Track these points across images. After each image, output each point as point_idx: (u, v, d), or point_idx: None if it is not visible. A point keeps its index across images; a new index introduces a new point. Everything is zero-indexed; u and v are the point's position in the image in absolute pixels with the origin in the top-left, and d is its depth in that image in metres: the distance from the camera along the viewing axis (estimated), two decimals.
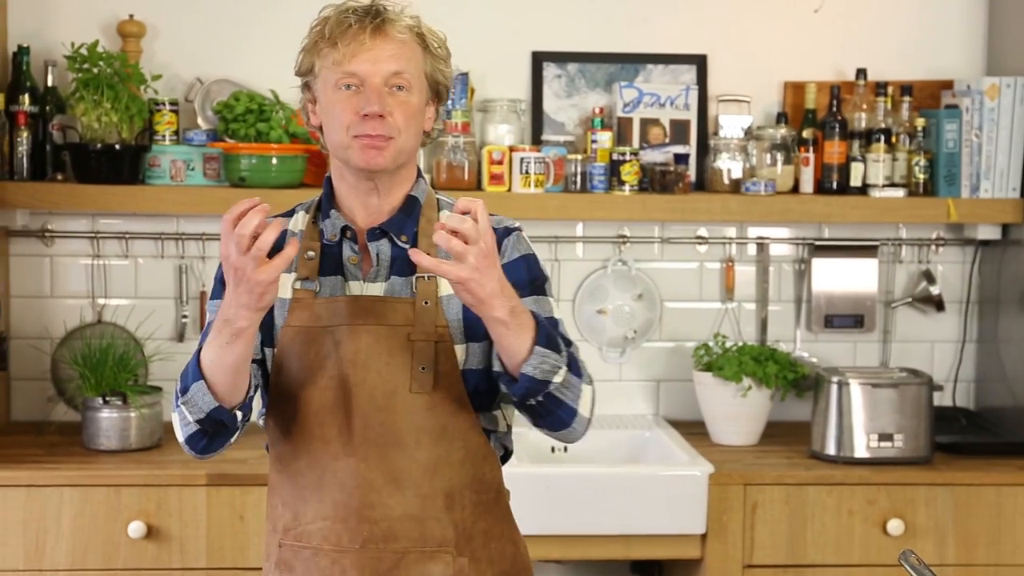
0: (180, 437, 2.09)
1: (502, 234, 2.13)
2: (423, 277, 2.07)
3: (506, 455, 2.21)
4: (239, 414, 2.05)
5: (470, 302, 1.94)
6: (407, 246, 2.09)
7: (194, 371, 2.02)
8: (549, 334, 2.00)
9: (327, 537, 2.09)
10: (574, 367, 2.04)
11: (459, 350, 2.09)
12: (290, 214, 2.19)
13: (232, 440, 2.11)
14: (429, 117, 2.16)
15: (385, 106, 2.05)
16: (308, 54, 2.13)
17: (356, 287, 2.10)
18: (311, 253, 2.12)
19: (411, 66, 2.09)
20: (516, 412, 2.15)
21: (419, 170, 2.20)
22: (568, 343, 2.06)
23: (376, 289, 2.10)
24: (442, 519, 2.09)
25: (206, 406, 2.01)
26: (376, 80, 2.06)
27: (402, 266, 2.10)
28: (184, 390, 2.03)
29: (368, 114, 2.05)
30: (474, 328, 2.07)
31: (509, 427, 2.21)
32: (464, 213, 1.92)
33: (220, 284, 2.10)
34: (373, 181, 2.11)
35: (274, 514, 2.16)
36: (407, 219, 2.13)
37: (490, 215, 2.12)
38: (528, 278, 2.12)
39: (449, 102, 3.48)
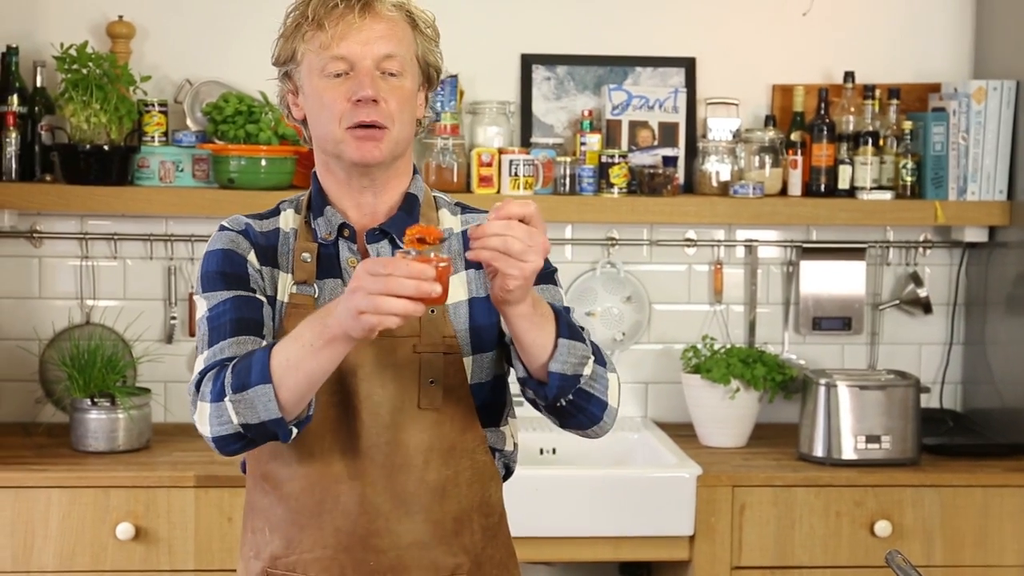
0: (207, 432, 1.86)
1: None
2: None
3: (507, 474, 2.08)
4: (295, 431, 1.85)
5: (509, 298, 1.76)
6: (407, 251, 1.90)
7: (261, 370, 1.79)
8: (569, 323, 1.86)
9: (327, 568, 1.93)
10: (599, 356, 1.90)
11: (466, 363, 1.95)
12: (275, 212, 2.03)
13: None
14: (420, 104, 2.01)
15: (379, 91, 1.90)
16: (288, 40, 1.96)
17: None
18: (307, 255, 1.96)
19: (402, 48, 1.94)
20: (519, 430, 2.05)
21: (415, 167, 2.06)
22: (583, 332, 1.93)
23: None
24: (452, 545, 1.96)
25: (265, 414, 1.80)
26: (367, 63, 1.91)
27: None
28: (240, 387, 1.80)
29: (361, 99, 1.90)
30: (481, 338, 1.96)
31: (516, 445, 2.07)
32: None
33: (219, 277, 1.94)
34: (369, 176, 1.96)
35: (256, 540, 1.99)
36: (408, 218, 1.97)
37: (485, 211, 2.01)
38: None
39: (438, 103, 3.52)
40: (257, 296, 1.95)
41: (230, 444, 1.86)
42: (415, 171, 2.05)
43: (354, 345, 1.78)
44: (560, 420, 1.93)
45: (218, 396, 1.83)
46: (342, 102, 1.91)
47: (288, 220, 2.02)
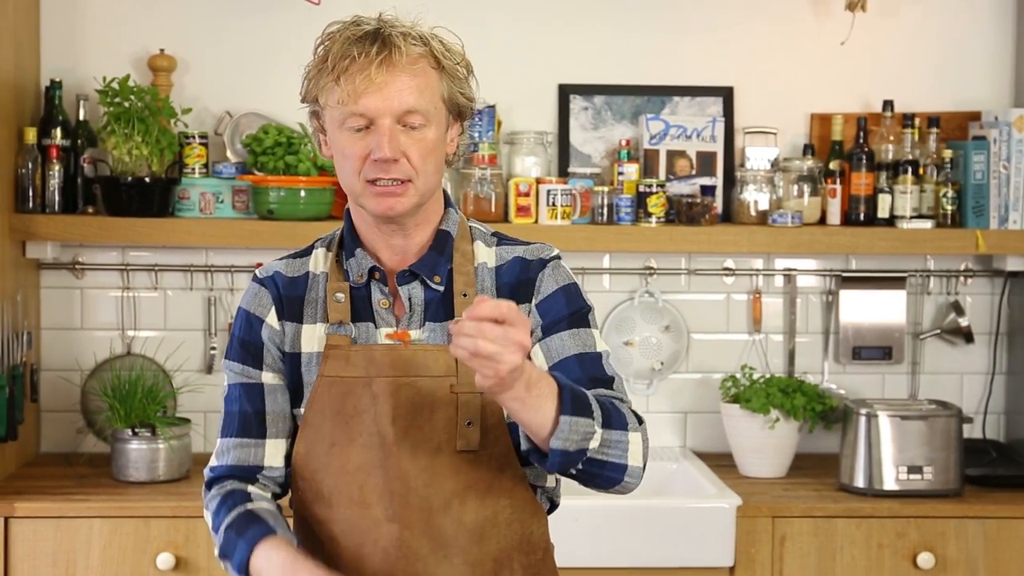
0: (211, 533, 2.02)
1: (536, 267, 1.97)
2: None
3: (552, 507, 2.05)
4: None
5: (489, 393, 1.74)
6: (441, 288, 1.94)
7: (240, 563, 1.91)
8: (575, 396, 1.77)
9: None
10: (615, 419, 1.83)
11: None
12: (308, 251, 2.03)
13: None
14: (452, 140, 1.97)
15: (397, 148, 1.86)
16: (312, 84, 1.93)
17: (390, 336, 1.93)
18: (340, 296, 1.95)
19: (425, 98, 1.88)
20: None
21: (447, 198, 2.02)
22: (610, 380, 1.90)
23: (413, 335, 1.93)
24: None
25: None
26: (386, 121, 1.86)
27: (437, 310, 1.94)
28: (222, 555, 1.95)
29: (379, 159, 1.86)
30: None
31: (558, 480, 2.02)
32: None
33: (239, 345, 2.01)
34: (396, 223, 1.93)
35: None
36: (439, 257, 1.95)
37: (526, 243, 2.01)
38: (567, 311, 1.94)
39: (476, 134, 3.53)
40: (262, 381, 2.00)
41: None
42: (448, 203, 2.02)
43: None
44: (579, 483, 1.88)
45: (214, 528, 1.98)
46: (360, 159, 1.88)
47: (319, 262, 2.01)
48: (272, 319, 2.00)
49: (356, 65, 1.86)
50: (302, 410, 1.97)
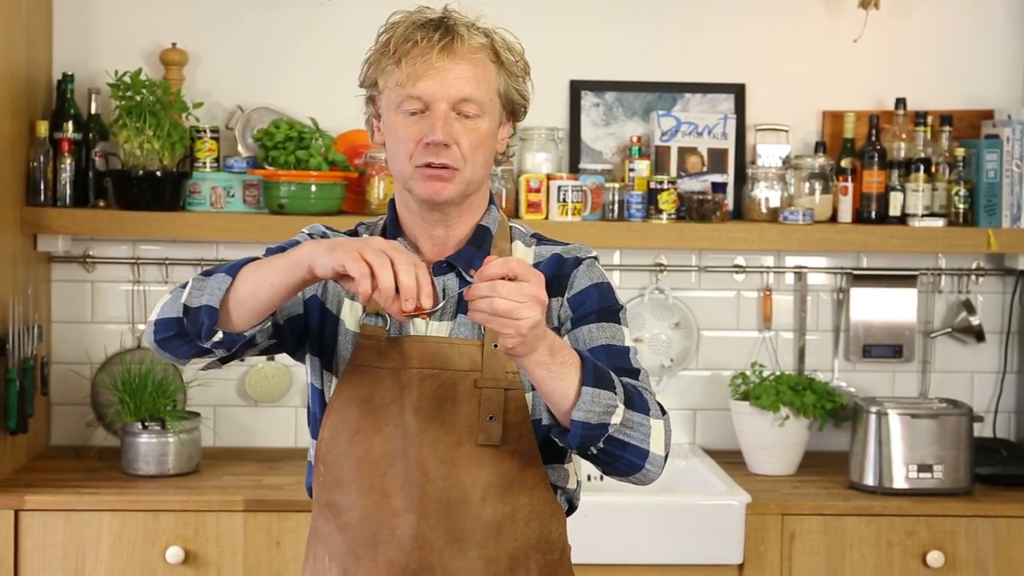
0: (154, 315, 1.88)
1: (571, 264, 1.98)
2: None
3: (570, 509, 2.05)
4: (218, 335, 1.83)
5: (512, 354, 1.74)
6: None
7: (231, 267, 1.83)
8: (598, 370, 1.78)
9: None
10: (638, 402, 1.83)
11: (528, 399, 1.92)
12: (352, 233, 2.04)
13: (185, 359, 1.90)
14: (502, 138, 1.99)
15: (451, 134, 1.88)
16: (372, 67, 1.94)
17: (421, 325, 1.94)
18: None
19: (481, 89, 1.91)
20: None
21: (492, 196, 2.04)
22: (635, 372, 1.89)
23: (442, 329, 1.94)
24: None
25: (208, 299, 1.80)
26: (442, 106, 1.88)
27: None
28: (205, 275, 1.84)
29: (431, 143, 1.88)
30: None
31: (579, 483, 2.04)
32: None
33: (278, 250, 1.92)
34: (440, 212, 1.95)
35: (316, 567, 2.00)
36: (476, 252, 1.96)
37: (565, 244, 2.02)
38: (598, 306, 1.95)
39: None
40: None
41: (163, 329, 1.85)
42: (492, 201, 2.03)
43: (306, 283, 1.79)
44: (599, 467, 1.87)
45: (182, 287, 1.85)
46: (412, 142, 1.90)
47: None
48: None
49: (418, 49, 1.89)
50: (332, 385, 1.95)
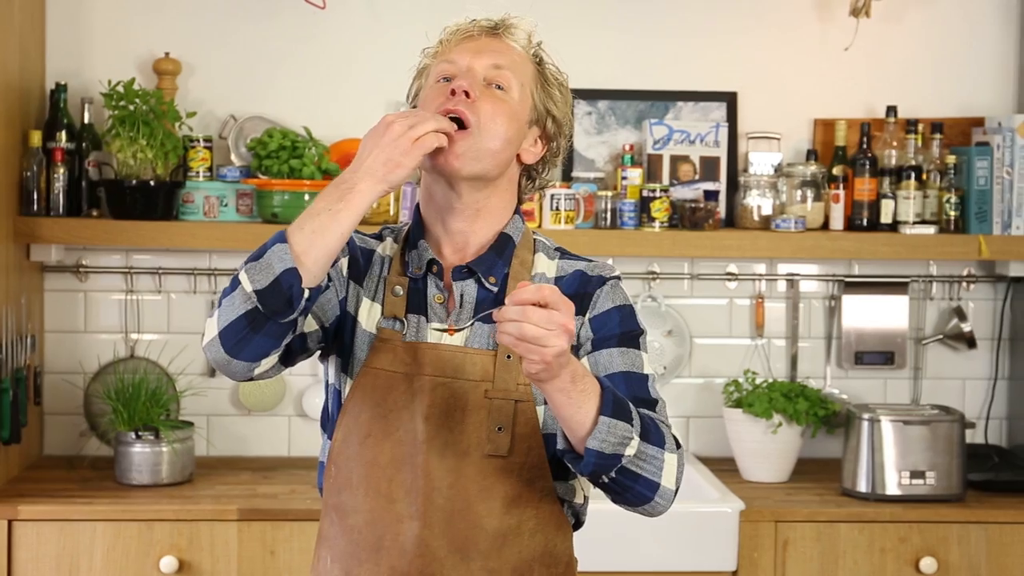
0: (214, 330, 1.80)
1: (596, 283, 1.96)
2: None
3: (577, 524, 2.03)
4: (307, 294, 1.78)
5: (534, 379, 1.74)
6: (494, 289, 1.94)
7: (278, 236, 1.79)
8: (617, 400, 1.78)
9: None
10: (654, 435, 1.82)
11: (540, 411, 1.91)
12: (378, 236, 2.02)
13: (274, 351, 1.81)
14: (531, 148, 1.98)
15: (475, 87, 1.89)
16: (416, 79, 2.01)
17: (437, 330, 1.93)
18: (399, 289, 1.95)
19: (515, 68, 1.94)
20: None
21: (518, 208, 2.02)
22: (653, 403, 1.89)
23: (457, 337, 1.93)
24: None
25: (280, 265, 1.75)
26: (474, 67, 1.92)
27: (486, 311, 1.92)
28: (255, 256, 1.78)
29: (455, 90, 1.88)
30: None
31: (586, 498, 2.02)
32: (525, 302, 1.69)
33: None
34: (455, 191, 1.93)
35: (320, 568, 1.99)
36: (497, 259, 1.95)
37: (589, 260, 2.01)
38: (619, 330, 1.94)
39: None
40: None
41: (235, 333, 1.78)
42: (517, 211, 2.02)
43: (376, 195, 1.80)
44: (608, 495, 1.86)
45: (232, 285, 1.80)
46: (438, 101, 1.91)
47: (387, 247, 2.01)
48: (343, 264, 1.96)
49: (466, 34, 1.96)
50: (348, 387, 1.94)
